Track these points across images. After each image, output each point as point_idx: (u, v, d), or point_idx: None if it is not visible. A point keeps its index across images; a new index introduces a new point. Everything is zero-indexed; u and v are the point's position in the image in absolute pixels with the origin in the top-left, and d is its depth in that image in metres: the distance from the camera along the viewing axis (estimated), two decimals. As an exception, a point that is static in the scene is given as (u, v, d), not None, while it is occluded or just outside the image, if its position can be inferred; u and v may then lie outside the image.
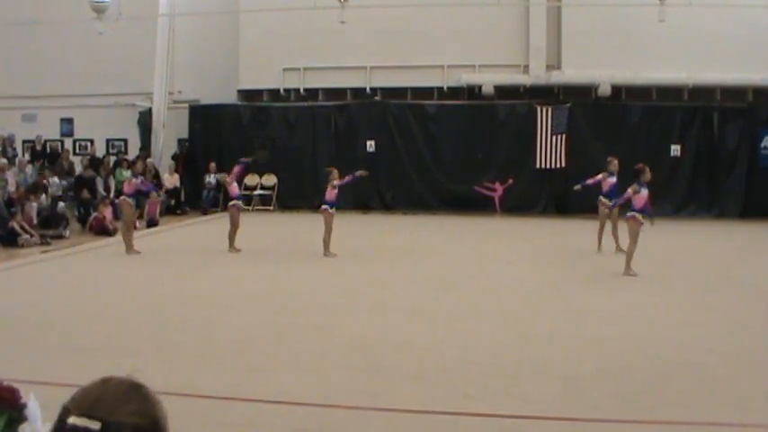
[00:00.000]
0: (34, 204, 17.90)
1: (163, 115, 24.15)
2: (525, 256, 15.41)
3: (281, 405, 6.49)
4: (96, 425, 1.56)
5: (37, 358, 7.74)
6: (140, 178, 16.36)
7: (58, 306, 10.50)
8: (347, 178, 15.40)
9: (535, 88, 23.50)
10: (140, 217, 20.77)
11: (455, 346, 8.47)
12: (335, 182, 15.12)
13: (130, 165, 22.41)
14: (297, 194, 24.41)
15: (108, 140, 25.84)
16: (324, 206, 15.08)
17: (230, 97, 25.28)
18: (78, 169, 22.81)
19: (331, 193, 15.08)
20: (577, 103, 23.11)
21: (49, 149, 24.38)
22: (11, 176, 19.63)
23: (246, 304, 10.74)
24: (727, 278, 13.04)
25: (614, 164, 16.02)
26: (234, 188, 16.42)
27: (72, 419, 1.58)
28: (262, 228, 20.50)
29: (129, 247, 15.45)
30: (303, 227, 20.40)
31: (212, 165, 23.99)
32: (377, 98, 24.25)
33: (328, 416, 6.32)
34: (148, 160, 23.69)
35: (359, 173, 15.76)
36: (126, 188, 16.08)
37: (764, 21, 21.68)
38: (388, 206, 23.92)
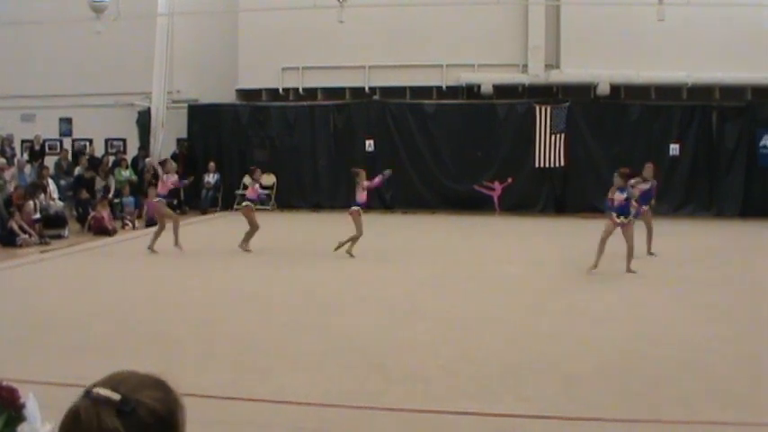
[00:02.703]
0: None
1: (162, 115, 24.12)
2: (525, 255, 15.42)
3: (281, 404, 6.49)
4: (117, 396, 1.61)
5: (36, 358, 7.74)
6: (172, 177, 16.47)
7: (57, 306, 10.49)
8: (376, 180, 15.42)
9: (534, 87, 23.49)
10: (140, 217, 20.81)
11: (454, 345, 8.47)
12: (365, 183, 15.04)
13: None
14: (296, 194, 24.41)
15: (107, 140, 25.83)
16: (354, 207, 15.03)
17: (229, 97, 25.25)
18: (77, 169, 22.80)
19: (361, 195, 15.01)
20: (576, 102, 23.10)
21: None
22: (9, 176, 19.62)
23: (246, 303, 10.74)
24: (727, 277, 13.03)
25: (649, 169, 15.36)
26: (254, 189, 16.46)
27: (96, 389, 1.64)
28: (261, 227, 20.46)
29: (152, 245, 15.50)
30: (302, 226, 20.43)
31: (211, 164, 24.01)
32: (376, 97, 24.23)
33: (328, 415, 6.31)
34: (147, 160, 23.70)
35: (386, 173, 15.81)
36: (161, 188, 16.21)
37: (763, 20, 21.69)
38: (387, 205, 23.90)
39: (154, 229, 19.97)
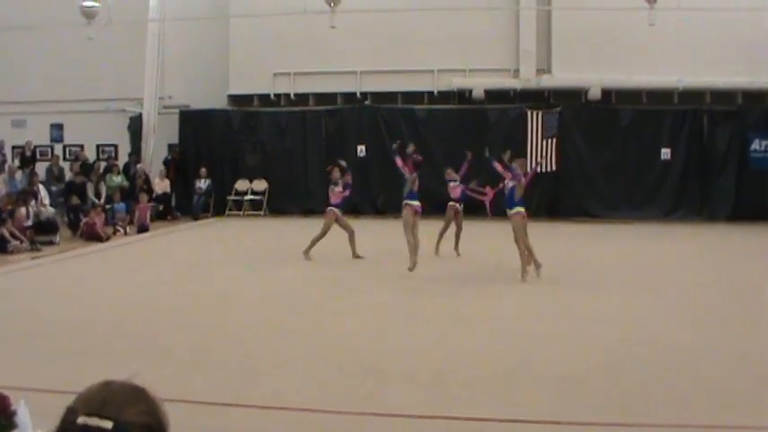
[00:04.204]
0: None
1: (153, 120, 24.08)
2: (516, 259, 15.39)
3: (274, 410, 6.48)
4: (108, 424, 1.57)
5: (27, 365, 7.70)
6: (342, 184, 15.77)
7: (48, 311, 10.45)
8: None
9: (525, 92, 23.52)
10: (131, 223, 20.76)
11: (447, 349, 8.47)
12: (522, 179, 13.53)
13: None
14: (287, 199, 24.38)
15: (98, 146, 25.75)
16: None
17: (221, 102, 25.22)
18: (68, 175, 22.76)
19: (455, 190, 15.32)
20: (568, 107, 23.14)
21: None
22: (0, 182, 19.55)
23: (239, 308, 10.72)
24: (719, 280, 13.07)
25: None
26: (456, 190, 16.31)
27: (82, 419, 1.58)
28: (253, 232, 20.47)
29: (354, 252, 15.37)
30: (294, 231, 20.38)
31: (203, 170, 23.98)
32: (367, 102, 24.25)
33: (321, 419, 6.30)
34: (138, 165, 23.66)
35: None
36: (335, 198, 15.54)
37: (753, 25, 21.76)
38: (379, 210, 23.88)
39: (145, 235, 20.06)
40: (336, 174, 15.83)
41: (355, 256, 15.37)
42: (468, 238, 18.97)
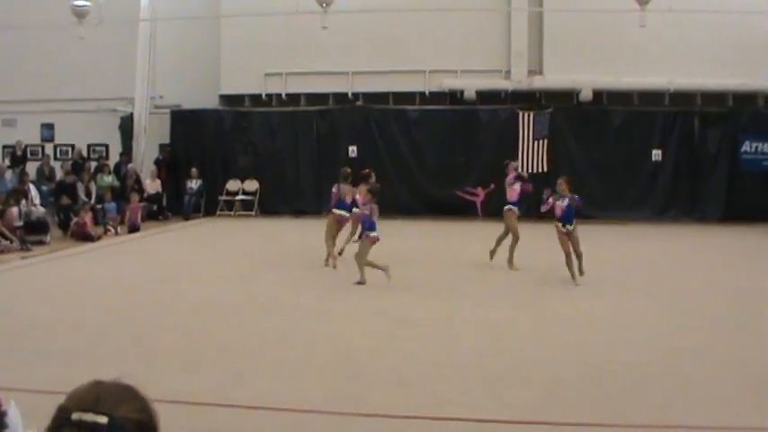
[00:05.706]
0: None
1: (144, 120, 24.04)
2: (506, 260, 15.42)
3: (263, 411, 6.48)
4: (103, 419, 1.58)
5: (17, 365, 7.69)
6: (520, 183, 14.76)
7: (38, 312, 10.42)
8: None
9: (517, 93, 23.55)
10: (122, 222, 20.71)
11: (436, 352, 8.47)
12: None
13: (109, 170, 22.31)
14: (279, 199, 24.35)
15: (89, 146, 25.67)
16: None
17: (212, 102, 25.18)
18: (59, 174, 22.69)
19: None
20: (559, 108, 23.18)
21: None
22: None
23: (228, 310, 10.70)
24: (709, 283, 13.11)
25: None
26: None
27: (77, 414, 1.59)
28: (244, 233, 20.44)
29: (511, 262, 14.44)
30: (285, 232, 20.39)
31: (194, 170, 23.93)
32: (359, 103, 24.24)
33: (310, 421, 6.31)
34: (129, 165, 23.61)
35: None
36: (511, 195, 14.79)
37: (744, 27, 21.85)
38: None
39: (136, 235, 20.02)
40: (513, 166, 15.14)
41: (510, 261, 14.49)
42: (459, 239, 19.02)
